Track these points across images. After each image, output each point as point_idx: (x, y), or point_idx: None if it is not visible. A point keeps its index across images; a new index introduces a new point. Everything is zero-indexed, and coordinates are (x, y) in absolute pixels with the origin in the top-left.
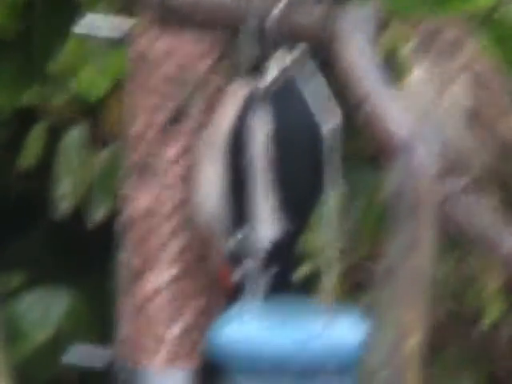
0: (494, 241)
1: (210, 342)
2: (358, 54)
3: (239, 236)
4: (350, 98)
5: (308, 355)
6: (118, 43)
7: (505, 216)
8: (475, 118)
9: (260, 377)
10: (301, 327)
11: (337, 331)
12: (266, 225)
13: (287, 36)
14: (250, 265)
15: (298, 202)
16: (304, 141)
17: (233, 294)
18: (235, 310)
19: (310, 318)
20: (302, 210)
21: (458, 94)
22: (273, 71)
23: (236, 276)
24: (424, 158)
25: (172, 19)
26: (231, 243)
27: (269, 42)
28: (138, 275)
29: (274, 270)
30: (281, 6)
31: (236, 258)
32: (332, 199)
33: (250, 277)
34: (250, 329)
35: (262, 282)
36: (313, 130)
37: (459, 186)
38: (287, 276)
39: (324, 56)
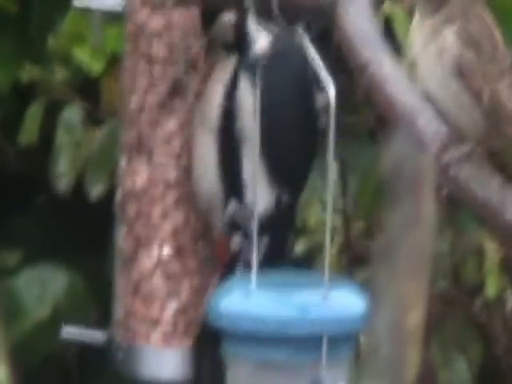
0: (497, 207)
1: (210, 309)
2: (359, 19)
3: (232, 207)
4: (350, 66)
5: (309, 322)
6: (118, 17)
7: (506, 182)
8: (463, 73)
9: (261, 344)
10: (302, 295)
11: (337, 299)
12: (258, 195)
13: (288, 3)
14: (244, 235)
15: (291, 173)
16: (297, 111)
17: (231, 266)
18: (235, 279)
19: (310, 287)
20: (295, 181)
21: (449, 45)
22: (262, 42)
23: (233, 246)
24: (427, 131)
25: None
26: (225, 214)
27: (271, 10)
28: (133, 255)
29: (268, 239)
30: None
31: (231, 229)
32: (329, 173)
33: (245, 247)
34: (251, 296)
35: (258, 252)
36: (307, 100)
37: (462, 153)
38: (283, 247)
39: (324, 24)
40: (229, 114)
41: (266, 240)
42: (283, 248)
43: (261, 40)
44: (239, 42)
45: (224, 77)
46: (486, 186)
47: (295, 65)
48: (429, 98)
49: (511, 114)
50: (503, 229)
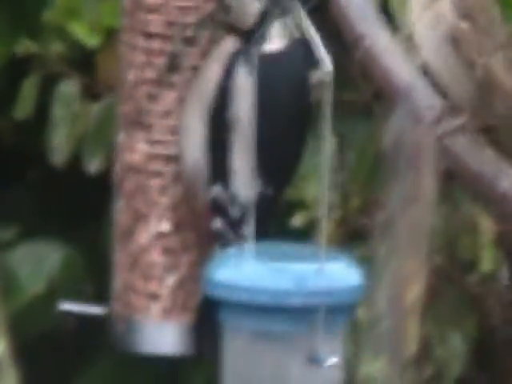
0: (491, 180)
1: (206, 280)
2: None
3: (215, 190)
4: (344, 39)
5: (305, 292)
6: None
7: (501, 153)
8: (457, 43)
9: (257, 314)
10: (298, 266)
11: (333, 271)
12: (244, 180)
13: None
14: (225, 219)
15: (282, 161)
16: (290, 107)
17: (212, 240)
18: (232, 249)
19: (306, 259)
20: (285, 169)
21: (445, 13)
22: (275, 43)
23: (215, 224)
24: (421, 103)
25: None
26: (211, 194)
27: None
28: (131, 229)
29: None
30: None
31: (213, 210)
32: (325, 148)
33: (224, 230)
34: (247, 265)
35: (239, 238)
36: (300, 94)
37: (456, 125)
38: (264, 230)
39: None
40: (224, 96)
41: (246, 228)
42: (263, 234)
43: (275, 39)
44: (254, 32)
45: (223, 57)
46: (478, 159)
47: (293, 59)
48: (424, 69)
49: (503, 88)
50: (496, 201)
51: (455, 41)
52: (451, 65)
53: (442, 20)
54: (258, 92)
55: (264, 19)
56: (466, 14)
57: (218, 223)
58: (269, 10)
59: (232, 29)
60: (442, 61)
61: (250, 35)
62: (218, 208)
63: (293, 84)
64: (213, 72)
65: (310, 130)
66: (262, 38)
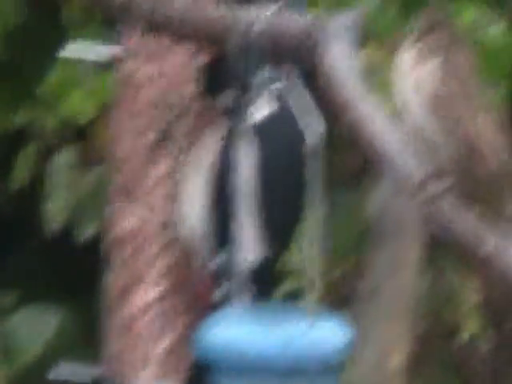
0: (473, 242)
1: (197, 343)
2: (340, 60)
3: (222, 257)
4: (332, 107)
5: (293, 355)
6: (104, 67)
7: (483, 216)
8: (438, 108)
9: (247, 377)
10: (285, 329)
11: (320, 333)
12: (249, 247)
13: (272, 46)
14: (233, 284)
15: (281, 225)
16: (289, 165)
17: (210, 309)
18: (221, 314)
19: (294, 321)
20: (284, 232)
21: (428, 77)
22: (261, 112)
23: (217, 295)
24: (407, 168)
25: (161, 32)
26: (214, 263)
27: (254, 52)
28: (125, 294)
29: (255, 287)
30: (265, 16)
31: (218, 277)
32: (315, 217)
33: (232, 294)
34: (236, 330)
35: (245, 298)
36: (298, 153)
37: (440, 190)
38: (268, 292)
39: (307, 66)
40: (225, 168)
41: (251, 291)
42: (268, 293)
43: (261, 109)
44: (239, 107)
45: (220, 135)
46: (462, 224)
47: (288, 130)
48: (408, 134)
49: (483, 154)
50: (479, 262)
51: (436, 105)
52: (432, 128)
53: (423, 84)
54: (257, 161)
55: (250, 95)
56: (447, 77)
57: (220, 291)
58: (244, 92)
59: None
60: (423, 124)
61: (240, 111)
62: (221, 276)
63: (288, 147)
64: (211, 146)
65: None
66: (250, 113)
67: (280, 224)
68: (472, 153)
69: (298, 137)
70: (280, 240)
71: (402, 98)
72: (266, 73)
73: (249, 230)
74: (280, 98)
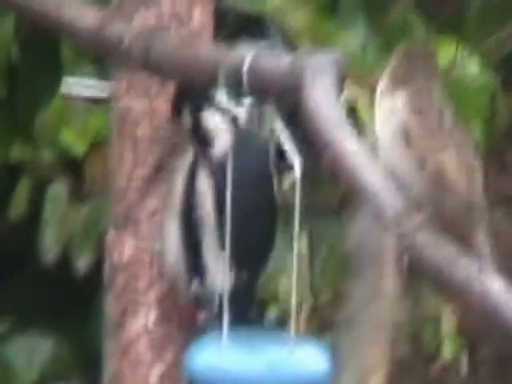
0: (450, 271)
1: (185, 366)
2: (323, 100)
3: (195, 286)
4: (315, 143)
5: (276, 379)
6: (99, 103)
7: (457, 246)
8: (409, 138)
9: None
10: (270, 354)
11: (303, 358)
12: (217, 275)
13: (258, 85)
14: (208, 311)
15: (252, 251)
16: (258, 199)
17: (194, 329)
18: (209, 338)
19: (278, 346)
20: (255, 259)
21: (399, 108)
22: (222, 141)
23: (200, 318)
24: (386, 203)
25: (154, 73)
26: (191, 290)
27: (242, 91)
28: (122, 321)
29: (232, 312)
30: (251, 57)
31: (197, 302)
32: (297, 247)
33: (210, 321)
34: (222, 354)
35: (224, 323)
36: (267, 188)
37: (417, 222)
38: (246, 317)
39: (290, 104)
40: (189, 201)
41: (229, 315)
42: (246, 318)
43: (222, 138)
44: (200, 137)
45: (184, 166)
46: (439, 251)
47: (255, 155)
48: (387, 167)
49: (455, 186)
50: (456, 289)
51: (407, 135)
52: (404, 158)
53: (395, 114)
54: (218, 189)
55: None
56: (417, 109)
57: (202, 316)
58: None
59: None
60: (395, 154)
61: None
62: (199, 302)
63: (256, 178)
64: (178, 181)
65: (285, 230)
66: (211, 143)
67: (251, 247)
68: (443, 184)
69: (267, 165)
70: (251, 265)
71: (376, 131)
72: (249, 106)
73: (215, 256)
74: (252, 128)
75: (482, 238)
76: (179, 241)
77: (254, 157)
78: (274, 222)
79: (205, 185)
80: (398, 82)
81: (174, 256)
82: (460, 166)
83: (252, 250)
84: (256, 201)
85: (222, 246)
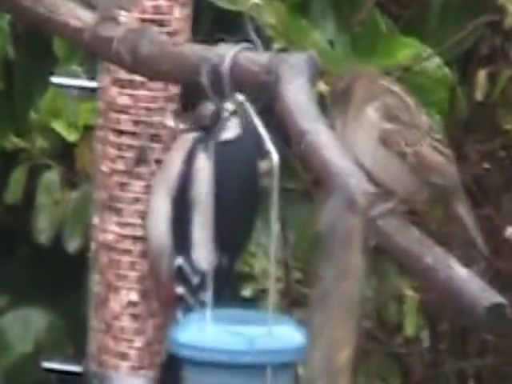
0: (416, 256)
1: (171, 341)
2: (298, 95)
3: (179, 261)
4: (289, 135)
5: (255, 353)
6: (90, 93)
7: (424, 232)
8: (387, 143)
9: (214, 370)
10: (249, 330)
11: (279, 334)
12: (203, 252)
13: (238, 81)
14: (187, 286)
15: (233, 240)
16: (242, 189)
17: (173, 306)
18: (193, 315)
19: (256, 323)
20: (237, 241)
21: (374, 121)
22: (230, 132)
23: (178, 290)
24: (356, 190)
25: (141, 69)
26: (172, 267)
27: (223, 87)
28: (105, 298)
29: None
30: (232, 55)
31: (177, 279)
32: (272, 229)
33: (187, 296)
34: (207, 329)
35: (200, 302)
36: (252, 170)
37: (387, 209)
38: (223, 296)
39: (268, 98)
40: (186, 180)
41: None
42: (223, 299)
43: (230, 130)
44: (211, 126)
45: (184, 149)
46: (406, 238)
47: (245, 147)
48: (358, 163)
49: (435, 164)
50: (421, 273)
51: (384, 141)
52: (385, 162)
53: (371, 125)
54: (215, 174)
55: (218, 116)
56: (388, 115)
57: (180, 289)
58: (221, 109)
59: (193, 122)
60: (377, 161)
61: (208, 128)
62: (181, 276)
63: (245, 166)
64: (176, 160)
65: (259, 213)
66: (218, 130)
67: (234, 234)
68: (425, 166)
69: (254, 158)
70: (233, 250)
71: (356, 141)
72: (233, 100)
73: (204, 237)
74: (242, 122)
75: (465, 212)
76: (168, 216)
77: (243, 146)
78: (255, 209)
79: (204, 167)
80: (362, 101)
81: (160, 230)
82: (437, 151)
83: (235, 235)
84: (242, 189)
85: (211, 228)
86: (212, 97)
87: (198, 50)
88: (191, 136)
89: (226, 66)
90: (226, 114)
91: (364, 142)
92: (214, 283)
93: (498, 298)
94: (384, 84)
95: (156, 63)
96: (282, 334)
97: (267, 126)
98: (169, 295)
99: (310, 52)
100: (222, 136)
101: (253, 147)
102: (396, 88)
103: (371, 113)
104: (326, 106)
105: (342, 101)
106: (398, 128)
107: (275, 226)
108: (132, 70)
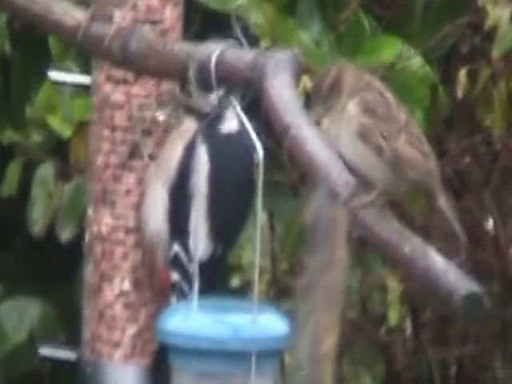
0: (396, 245)
1: (159, 329)
2: (282, 91)
3: (175, 249)
4: (275, 129)
5: (240, 340)
6: (84, 89)
7: (404, 223)
8: (364, 136)
9: (201, 357)
10: (234, 318)
11: (264, 322)
12: (199, 241)
13: (224, 77)
14: (182, 273)
15: (228, 231)
16: (238, 174)
17: (168, 293)
18: (180, 303)
19: (242, 312)
20: (232, 231)
21: (353, 115)
22: (232, 123)
23: (172, 279)
24: (338, 182)
25: (131, 66)
26: (169, 254)
27: (210, 83)
28: (99, 287)
29: (202, 282)
30: (218, 52)
31: (172, 266)
32: (259, 221)
33: (181, 282)
34: (193, 317)
35: (196, 285)
36: (249, 162)
37: (367, 201)
38: (213, 286)
39: (253, 93)
40: (185, 170)
41: (199, 284)
42: (213, 288)
43: (232, 121)
44: (211, 116)
45: (184, 137)
46: (386, 228)
47: (244, 139)
48: (340, 156)
49: (411, 160)
50: (400, 263)
51: (362, 134)
52: (364, 155)
53: (351, 119)
54: (213, 165)
55: (220, 106)
56: (366, 109)
57: (176, 277)
58: (223, 99)
59: (192, 111)
60: (357, 154)
61: (208, 118)
62: (177, 264)
63: (242, 158)
64: (175, 149)
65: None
66: (219, 121)
67: (230, 224)
68: (401, 162)
69: (252, 151)
70: (227, 240)
71: (339, 136)
72: (219, 96)
73: (201, 226)
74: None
75: (446, 205)
76: (165, 204)
77: (242, 139)
78: (250, 200)
79: (203, 158)
80: (345, 96)
81: (157, 217)
82: (413, 147)
83: (230, 225)
84: (239, 180)
85: (207, 218)
86: (199, 93)
87: (186, 47)
88: (191, 127)
89: (212, 62)
90: (225, 107)
91: (345, 135)
92: (208, 271)
93: (475, 287)
94: (366, 79)
95: (145, 60)
96: (266, 323)
97: (256, 120)
98: (164, 282)
99: (294, 50)
100: (222, 128)
101: (246, 141)
102: (377, 83)
103: (352, 107)
104: (311, 101)
105: (328, 95)
106: (375, 122)
107: (259, 218)
108: (122, 67)
